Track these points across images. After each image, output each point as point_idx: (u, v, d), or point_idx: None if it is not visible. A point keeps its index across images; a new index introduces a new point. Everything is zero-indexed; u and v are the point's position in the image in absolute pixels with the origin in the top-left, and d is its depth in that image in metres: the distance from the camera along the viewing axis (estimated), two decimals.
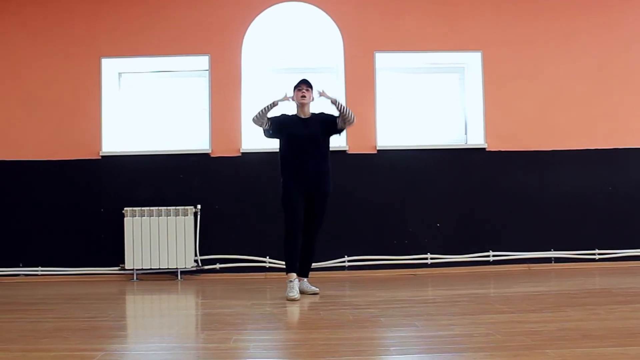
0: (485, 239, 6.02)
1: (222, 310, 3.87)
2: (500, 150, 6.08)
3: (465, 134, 6.46)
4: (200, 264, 5.87)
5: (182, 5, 6.10)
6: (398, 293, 4.56)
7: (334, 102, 4.55)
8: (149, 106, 6.47)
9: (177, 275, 5.83)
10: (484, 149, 6.07)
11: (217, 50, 6.05)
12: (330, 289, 4.86)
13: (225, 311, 3.84)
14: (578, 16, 6.22)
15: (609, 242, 6.05)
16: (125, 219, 5.78)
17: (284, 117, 4.64)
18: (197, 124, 6.36)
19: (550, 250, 6.03)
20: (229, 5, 6.09)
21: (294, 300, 4.28)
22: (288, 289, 4.36)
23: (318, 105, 4.75)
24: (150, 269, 5.79)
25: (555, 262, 6.02)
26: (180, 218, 5.79)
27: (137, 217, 5.77)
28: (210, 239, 5.91)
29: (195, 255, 5.86)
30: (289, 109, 4.77)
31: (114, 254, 5.85)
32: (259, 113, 4.55)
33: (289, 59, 6.41)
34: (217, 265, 5.92)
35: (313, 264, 4.79)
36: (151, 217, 5.78)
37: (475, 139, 6.23)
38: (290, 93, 4.66)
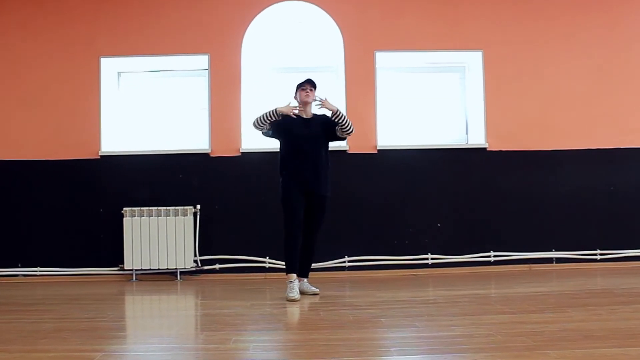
0: (486, 239, 6.01)
1: (222, 311, 3.86)
2: (501, 150, 6.07)
3: (466, 133, 6.44)
4: (199, 264, 5.86)
5: (181, 4, 6.08)
6: (398, 293, 4.54)
7: (335, 112, 4.49)
8: (149, 106, 6.46)
9: (176, 276, 5.81)
10: (485, 148, 6.05)
11: (216, 49, 6.03)
12: (331, 289, 4.85)
13: (225, 312, 3.83)
14: (578, 16, 6.20)
15: (611, 243, 6.03)
16: (124, 219, 5.76)
17: (285, 118, 4.61)
18: (197, 123, 6.34)
19: (551, 251, 6.01)
20: (228, 4, 6.08)
21: (294, 300, 4.26)
22: (288, 290, 4.35)
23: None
24: (150, 269, 5.77)
25: (556, 263, 6.01)
26: (180, 218, 5.77)
27: (136, 217, 5.75)
28: (209, 239, 5.89)
29: (195, 256, 5.85)
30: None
31: (113, 254, 5.84)
32: (260, 119, 4.51)
33: (289, 58, 6.40)
34: (217, 266, 5.90)
35: (313, 264, 4.78)
36: (150, 217, 5.76)
37: (476, 138, 6.22)
38: (295, 103, 4.63)
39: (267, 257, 5.88)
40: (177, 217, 5.77)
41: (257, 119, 4.53)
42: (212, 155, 5.98)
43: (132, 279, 5.80)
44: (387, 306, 3.91)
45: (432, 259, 5.96)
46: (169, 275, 5.85)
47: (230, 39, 6.04)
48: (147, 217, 5.76)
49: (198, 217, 5.86)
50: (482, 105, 6.08)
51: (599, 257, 6.03)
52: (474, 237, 6.01)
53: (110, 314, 3.83)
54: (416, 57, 6.27)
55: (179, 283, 5.61)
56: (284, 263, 4.51)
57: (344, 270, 5.93)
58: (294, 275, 4.44)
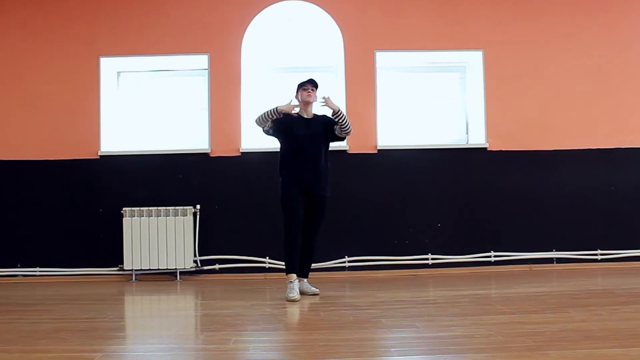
0: (486, 239, 6.00)
1: (222, 311, 3.85)
2: (502, 150, 6.06)
3: (467, 133, 6.44)
4: (199, 265, 5.85)
5: (181, 3, 6.07)
6: (399, 294, 4.54)
7: (336, 111, 4.49)
8: (148, 105, 6.45)
9: (176, 276, 5.80)
10: (485, 148, 6.05)
11: (216, 49, 6.03)
12: (331, 289, 4.84)
13: (225, 312, 3.82)
14: (578, 16, 6.20)
15: (612, 243, 6.03)
16: (124, 219, 5.75)
17: (286, 117, 4.60)
18: (196, 123, 6.33)
19: (552, 251, 6.01)
20: (228, 4, 6.07)
21: (294, 301, 4.25)
22: (288, 290, 4.34)
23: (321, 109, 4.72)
24: (149, 269, 5.77)
25: (557, 263, 6.00)
26: (180, 218, 5.76)
27: (136, 217, 5.74)
28: (209, 239, 5.88)
29: (195, 256, 5.84)
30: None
31: (112, 254, 5.83)
32: (262, 116, 4.51)
33: (289, 58, 6.39)
34: (217, 266, 5.89)
35: (313, 265, 4.77)
36: (150, 217, 5.75)
37: (477, 138, 6.21)
38: (296, 102, 4.62)
39: (267, 257, 5.88)
40: (176, 217, 5.76)
41: (259, 117, 4.53)
42: (211, 155, 5.97)
43: (132, 279, 5.79)
44: (387, 306, 3.90)
45: (432, 259, 5.96)
46: (169, 275, 5.84)
47: (230, 38, 6.04)
48: (147, 217, 5.75)
49: (198, 217, 5.85)
50: (483, 105, 6.08)
51: (599, 257, 6.02)
52: (474, 237, 6.00)
53: (109, 314, 3.83)
54: (416, 56, 6.26)
55: (178, 283, 5.61)
56: (283, 263, 4.50)
57: (344, 270, 5.92)
58: (294, 276, 4.43)
